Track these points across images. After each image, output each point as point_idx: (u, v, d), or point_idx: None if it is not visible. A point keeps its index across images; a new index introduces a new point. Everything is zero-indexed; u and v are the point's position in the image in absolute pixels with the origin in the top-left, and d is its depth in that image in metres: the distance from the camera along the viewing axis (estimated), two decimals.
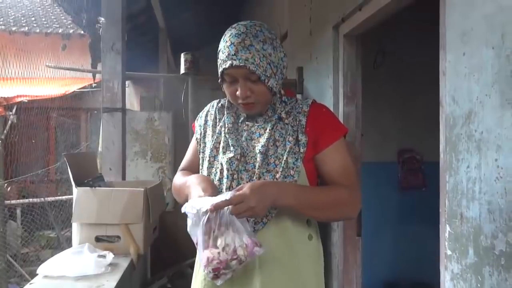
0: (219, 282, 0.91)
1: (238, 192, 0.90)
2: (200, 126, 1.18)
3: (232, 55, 0.98)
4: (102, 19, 1.97)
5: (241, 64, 0.97)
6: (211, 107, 1.19)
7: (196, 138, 1.18)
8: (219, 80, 1.06)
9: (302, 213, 1.02)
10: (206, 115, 1.18)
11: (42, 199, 4.49)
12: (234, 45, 0.98)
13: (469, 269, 1.09)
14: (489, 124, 1.01)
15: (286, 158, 1.01)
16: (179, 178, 1.14)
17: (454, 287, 1.15)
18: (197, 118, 1.22)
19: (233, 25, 1.04)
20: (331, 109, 2.14)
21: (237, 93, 1.01)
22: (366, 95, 2.22)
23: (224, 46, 1.01)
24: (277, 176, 1.00)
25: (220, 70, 1.03)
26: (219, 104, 1.17)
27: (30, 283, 1.28)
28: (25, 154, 4.84)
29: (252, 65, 0.97)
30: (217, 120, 1.14)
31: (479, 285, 1.05)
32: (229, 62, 0.98)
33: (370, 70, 2.78)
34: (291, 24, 3.16)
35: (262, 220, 1.01)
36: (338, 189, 1.04)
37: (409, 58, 2.90)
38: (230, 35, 1.01)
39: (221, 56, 1.02)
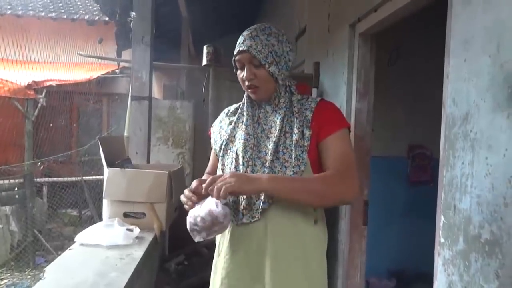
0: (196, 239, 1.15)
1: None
2: (214, 132, 1.34)
3: (240, 43, 1.17)
4: (134, 13, 2.11)
5: (244, 49, 1.15)
6: (224, 113, 1.35)
7: (211, 144, 1.34)
8: (234, 70, 1.24)
9: (286, 198, 1.11)
10: (221, 122, 1.34)
11: (72, 178, 4.71)
12: (243, 36, 1.18)
13: (458, 255, 1.19)
14: (483, 125, 1.11)
15: (294, 150, 1.14)
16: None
17: (445, 271, 1.26)
18: (212, 125, 1.38)
19: None
20: (344, 104, 2.25)
21: (243, 76, 1.18)
22: (379, 92, 2.29)
23: (237, 41, 1.20)
24: (286, 164, 1.14)
25: (233, 59, 1.21)
26: (232, 109, 1.33)
27: (69, 249, 1.46)
28: (53, 135, 5.09)
29: (254, 50, 1.14)
30: (230, 120, 1.29)
31: (466, 270, 1.15)
32: (237, 49, 1.18)
33: (384, 68, 2.85)
34: (310, 19, 3.22)
35: (267, 200, 1.13)
36: (324, 174, 1.12)
37: (422, 57, 2.94)
38: (243, 33, 1.21)
39: (235, 49, 1.20)
